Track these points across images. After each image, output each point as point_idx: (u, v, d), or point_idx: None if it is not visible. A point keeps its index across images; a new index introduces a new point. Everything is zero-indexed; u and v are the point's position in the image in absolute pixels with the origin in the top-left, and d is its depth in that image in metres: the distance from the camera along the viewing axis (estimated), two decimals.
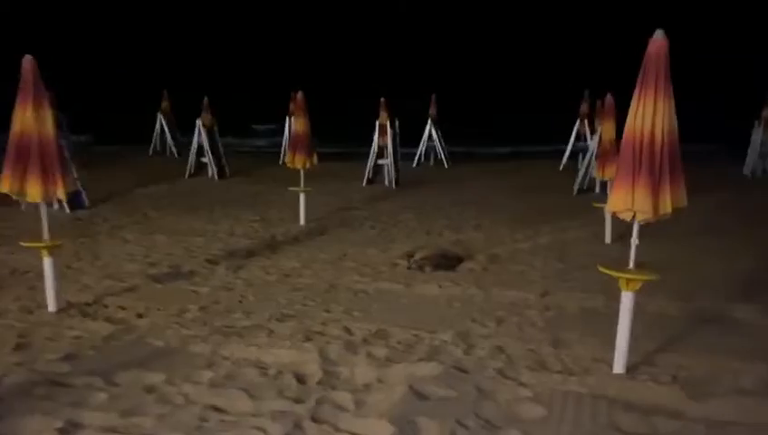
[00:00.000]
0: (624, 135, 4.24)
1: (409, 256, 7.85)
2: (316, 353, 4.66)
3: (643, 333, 5.13)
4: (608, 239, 9.07)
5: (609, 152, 8.90)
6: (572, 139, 18.18)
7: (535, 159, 21.91)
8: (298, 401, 3.96)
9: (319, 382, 4.23)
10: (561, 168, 18.26)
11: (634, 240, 4.29)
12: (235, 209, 11.28)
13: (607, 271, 4.35)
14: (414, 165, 19.18)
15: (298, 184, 10.01)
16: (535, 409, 3.88)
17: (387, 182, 14.91)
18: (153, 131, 20.74)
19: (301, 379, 4.30)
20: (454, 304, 6.17)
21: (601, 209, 9.41)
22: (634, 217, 4.18)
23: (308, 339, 4.99)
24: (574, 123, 18.30)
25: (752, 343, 5.15)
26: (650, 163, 4.08)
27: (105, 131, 24.34)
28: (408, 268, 7.48)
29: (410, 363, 4.52)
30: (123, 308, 5.82)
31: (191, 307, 5.85)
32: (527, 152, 25.55)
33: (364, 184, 14.79)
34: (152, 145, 20.86)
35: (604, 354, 4.78)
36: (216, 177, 15.37)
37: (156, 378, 4.25)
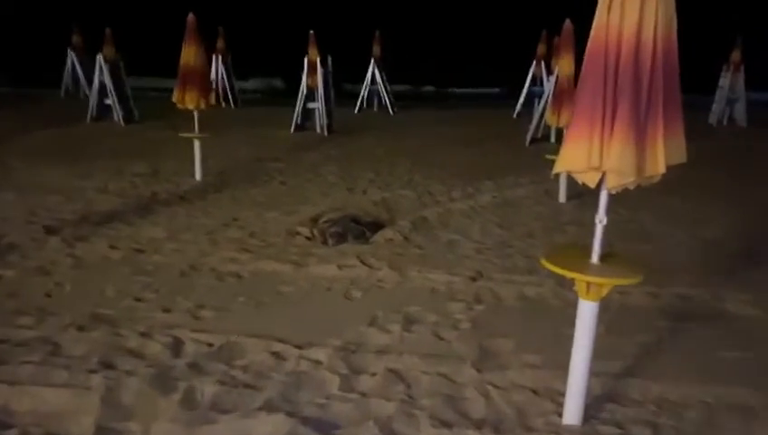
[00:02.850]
0: (589, 43, 2.49)
1: (314, 220, 6.11)
2: (99, 395, 2.90)
3: (605, 341, 3.54)
4: (562, 198, 7.51)
5: (567, 92, 7.20)
6: (527, 83, 16.43)
7: (489, 106, 20.32)
8: None
9: None
10: (515, 115, 16.64)
11: (600, 219, 2.59)
12: (123, 160, 9.29)
13: (554, 268, 2.65)
14: (356, 111, 17.30)
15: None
16: None
17: (318, 129, 13.01)
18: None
19: None
20: (353, 293, 4.47)
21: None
22: (602, 180, 2.49)
23: (105, 365, 3.21)
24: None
25: (753, 352, 3.60)
26: (634, 91, 2.36)
27: (14, 71, 21.57)
28: (308, 239, 5.74)
29: (242, 415, 2.79)
30: None
31: None
32: (481, 94, 23.87)
33: (292, 131, 12.88)
34: (63, 86, 18.39)
35: (550, 383, 3.18)
36: (121, 121, 13.22)
37: None
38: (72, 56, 17.96)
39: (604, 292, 2.63)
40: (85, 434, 2.65)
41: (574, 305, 2.64)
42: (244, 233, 5.87)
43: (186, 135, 8.24)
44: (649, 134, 2.41)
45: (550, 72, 14.22)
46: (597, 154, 2.41)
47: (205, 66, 8.10)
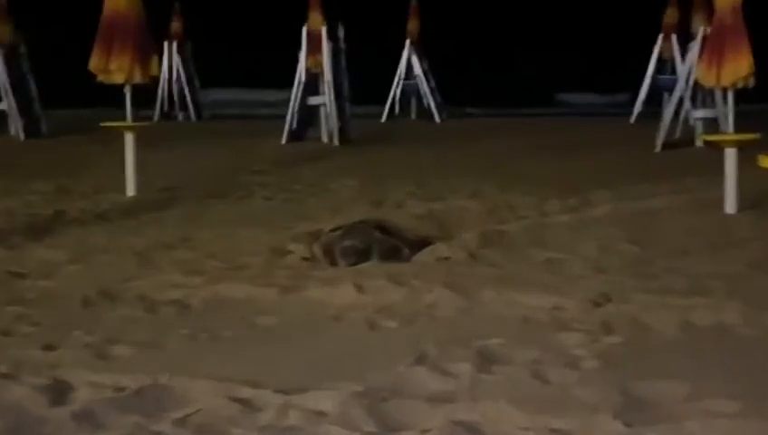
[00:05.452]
0: None
1: (314, 236, 5.58)
2: None
3: None
4: (730, 207, 6.89)
5: (732, 30, 6.68)
6: (651, 67, 15.80)
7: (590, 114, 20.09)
8: None
9: None
10: (632, 119, 16.14)
11: None
12: (18, 179, 9.01)
13: None
14: (383, 119, 17.01)
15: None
16: None
17: (325, 137, 12.64)
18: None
19: None
20: (384, 323, 3.90)
21: (715, 159, 7.20)
22: None
23: None
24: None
25: None
26: None
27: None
28: (305, 260, 5.20)
29: None
30: None
31: None
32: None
33: (284, 141, 12.53)
34: None
35: None
36: (21, 134, 13.23)
37: None
38: None
39: None
40: None
41: None
42: (197, 254, 5.47)
43: (109, 124, 7.93)
44: None
45: (685, 49, 13.76)
46: None
47: (142, 17, 7.77)
